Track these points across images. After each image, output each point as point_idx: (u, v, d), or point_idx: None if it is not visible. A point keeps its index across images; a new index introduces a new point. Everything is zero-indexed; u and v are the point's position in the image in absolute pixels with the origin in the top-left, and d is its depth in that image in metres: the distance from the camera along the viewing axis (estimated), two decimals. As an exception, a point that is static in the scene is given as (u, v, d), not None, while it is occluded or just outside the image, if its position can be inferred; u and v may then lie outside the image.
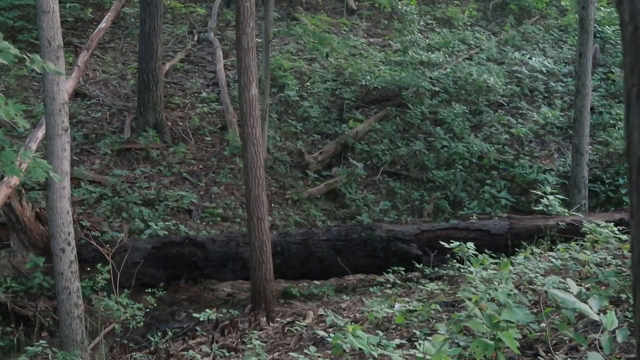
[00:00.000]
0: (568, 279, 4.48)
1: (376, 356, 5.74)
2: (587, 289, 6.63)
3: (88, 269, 10.45)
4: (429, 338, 6.07)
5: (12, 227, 11.24)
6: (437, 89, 17.96)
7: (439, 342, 4.86)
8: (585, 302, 4.27)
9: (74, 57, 16.94)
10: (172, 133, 16.10)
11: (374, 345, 5.80)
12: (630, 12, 1.59)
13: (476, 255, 8.43)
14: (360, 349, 5.73)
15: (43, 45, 8.39)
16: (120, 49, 19.84)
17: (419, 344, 5.53)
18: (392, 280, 9.97)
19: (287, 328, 8.73)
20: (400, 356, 5.59)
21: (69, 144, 8.68)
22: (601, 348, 4.77)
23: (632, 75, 1.59)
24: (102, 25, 16.15)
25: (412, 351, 5.76)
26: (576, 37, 15.69)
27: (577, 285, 6.79)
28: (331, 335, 6.43)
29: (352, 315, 8.68)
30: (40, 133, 11.79)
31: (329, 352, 6.55)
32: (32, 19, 17.86)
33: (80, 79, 16.27)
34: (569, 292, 4.15)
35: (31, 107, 15.74)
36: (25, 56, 5.11)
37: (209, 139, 16.34)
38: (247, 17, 10.35)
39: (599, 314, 3.94)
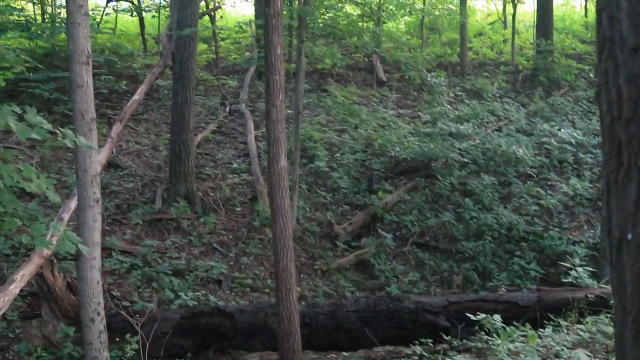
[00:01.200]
0: (579, 351, 4.50)
1: None
2: (613, 362, 6.62)
3: (117, 339, 10.50)
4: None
5: (44, 296, 11.34)
6: (466, 160, 18.04)
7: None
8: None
9: (108, 128, 17.23)
10: (202, 203, 16.25)
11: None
12: (607, 104, 1.69)
13: (504, 328, 8.43)
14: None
15: (76, 118, 8.57)
16: (153, 121, 20.16)
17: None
18: (419, 352, 9.94)
19: (314, 400, 8.73)
20: None
21: (100, 215, 8.81)
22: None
23: (610, 162, 1.68)
24: (136, 97, 16.40)
25: None
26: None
27: (604, 358, 6.79)
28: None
29: (379, 387, 8.67)
30: (73, 204, 11.95)
31: None
32: (67, 91, 18.23)
33: (114, 150, 16.53)
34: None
35: (65, 177, 15.98)
36: (57, 131, 5.27)
37: (239, 209, 16.47)
38: (276, 90, 10.51)
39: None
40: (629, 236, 1.64)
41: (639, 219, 1.61)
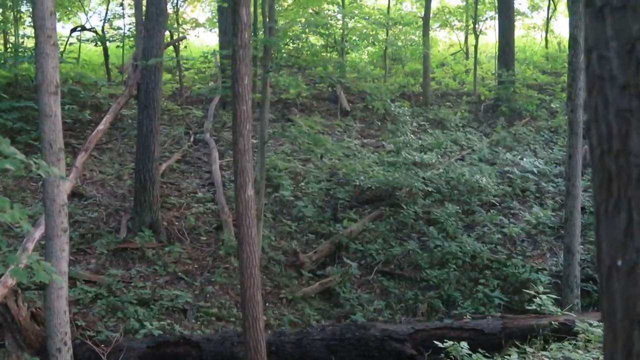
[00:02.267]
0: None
1: None
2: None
3: (83, 369, 10.44)
4: None
5: (8, 327, 11.24)
6: (430, 189, 18.19)
7: None
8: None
9: (72, 158, 17.16)
10: (167, 232, 16.22)
11: None
12: (597, 138, 1.77)
13: (470, 355, 8.50)
14: None
15: (45, 148, 8.57)
16: (118, 150, 20.13)
17: None
18: (387, 380, 9.99)
19: None
20: None
21: (68, 245, 8.79)
22: None
23: (600, 193, 1.76)
24: (101, 127, 16.39)
25: None
26: (566, 139, 15.97)
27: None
28: None
29: (347, 416, 8.69)
30: (38, 233, 11.89)
31: None
32: (31, 120, 18.18)
33: (78, 179, 16.46)
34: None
35: (29, 207, 15.88)
36: (31, 162, 5.29)
37: (204, 238, 16.46)
38: (243, 120, 10.56)
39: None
40: (619, 262, 1.72)
41: (628, 247, 1.69)
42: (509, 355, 8.94)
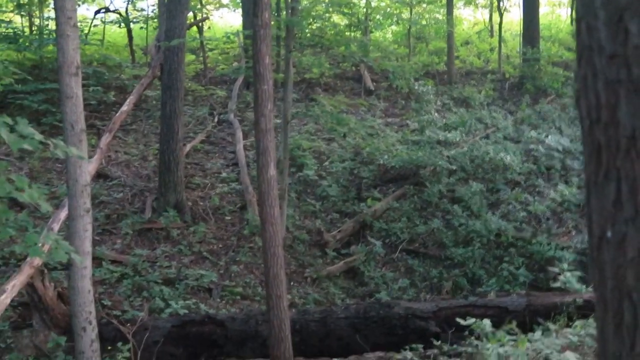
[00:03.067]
0: (568, 353, 4.57)
1: None
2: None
3: (109, 347, 10.51)
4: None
5: (35, 306, 11.36)
6: (454, 167, 18.13)
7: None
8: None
9: (97, 139, 17.27)
10: (192, 213, 16.29)
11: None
12: (587, 109, 1.76)
13: (494, 332, 8.49)
14: None
15: (66, 129, 8.62)
16: (142, 131, 20.20)
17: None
18: (410, 357, 9.99)
19: (305, 406, 8.77)
20: None
21: (91, 225, 8.86)
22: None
23: (590, 164, 1.76)
24: (124, 108, 16.45)
25: None
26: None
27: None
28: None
29: (370, 393, 8.71)
30: (63, 214, 11.98)
31: None
32: (56, 102, 18.26)
33: (103, 160, 16.56)
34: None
35: (54, 188, 15.99)
36: (49, 142, 5.32)
37: (229, 218, 16.52)
38: (264, 100, 10.57)
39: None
40: (609, 234, 1.71)
41: (617, 217, 1.69)
42: (533, 333, 8.91)
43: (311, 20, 21.60)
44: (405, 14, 28.25)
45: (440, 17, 27.99)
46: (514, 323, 8.27)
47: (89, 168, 12.29)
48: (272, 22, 11.65)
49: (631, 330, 1.67)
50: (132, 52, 25.83)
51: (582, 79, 1.78)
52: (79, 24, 9.36)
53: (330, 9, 22.07)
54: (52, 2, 23.81)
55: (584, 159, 1.83)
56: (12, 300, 10.52)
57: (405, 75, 22.42)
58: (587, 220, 1.85)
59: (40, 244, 6.77)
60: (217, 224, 16.27)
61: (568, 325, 9.37)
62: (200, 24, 25.84)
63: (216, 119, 21.26)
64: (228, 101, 22.23)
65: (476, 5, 32.25)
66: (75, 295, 8.66)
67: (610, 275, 1.72)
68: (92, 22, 26.76)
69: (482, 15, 33.19)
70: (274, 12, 18.36)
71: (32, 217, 14.69)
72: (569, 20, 33.23)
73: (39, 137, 5.18)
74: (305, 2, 20.92)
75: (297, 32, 17.70)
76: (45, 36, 22.15)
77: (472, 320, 8.91)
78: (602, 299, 1.76)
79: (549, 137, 19.62)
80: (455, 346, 10.11)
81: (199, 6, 27.53)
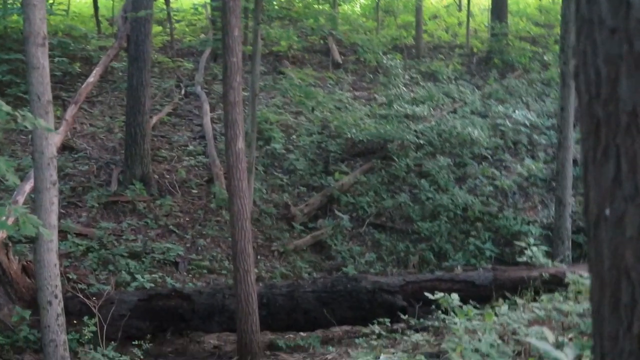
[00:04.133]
0: (544, 329, 4.57)
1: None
2: (570, 339, 6.72)
3: (75, 321, 10.44)
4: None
5: (-1, 280, 11.25)
6: (421, 141, 18.14)
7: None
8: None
9: (62, 111, 17.04)
10: (158, 186, 16.18)
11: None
12: (586, 84, 1.73)
13: (461, 307, 8.51)
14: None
15: (33, 100, 8.48)
16: (108, 103, 20.00)
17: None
18: (377, 331, 10.01)
19: (273, 380, 8.77)
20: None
21: (57, 198, 8.74)
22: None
23: (588, 140, 1.72)
24: (90, 79, 16.27)
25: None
26: (558, 91, 15.91)
27: (560, 335, 6.90)
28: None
29: (338, 367, 8.71)
30: (28, 186, 11.85)
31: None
32: (21, 73, 18.01)
33: (68, 132, 16.38)
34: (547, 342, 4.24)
35: (19, 160, 15.80)
36: (17, 113, 5.22)
37: (196, 191, 16.43)
38: (233, 72, 10.49)
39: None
40: (607, 212, 1.68)
41: (616, 195, 1.66)
42: (499, 307, 8.95)
43: (279, -8, 21.46)
44: (374, -13, 28.12)
45: (408, -10, 27.89)
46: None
47: (54, 140, 12.17)
48: (241, -6, 11.54)
49: (629, 310, 1.64)
50: (98, 22, 25.48)
51: (582, 54, 1.74)
52: (44, -7, 9.18)
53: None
54: (16, -29, 23.46)
55: (582, 135, 1.79)
56: (-24, 274, 10.41)
57: (373, 48, 22.32)
58: (584, 197, 1.82)
59: (5, 217, 6.66)
60: (184, 197, 16.18)
61: (534, 300, 9.41)
62: (166, -5, 25.55)
63: (183, 92, 21.08)
64: (195, 73, 22.04)
65: (444, -21, 32.18)
66: (41, 269, 8.55)
67: (607, 254, 1.69)
68: (57, -8, 26.36)
69: (450, -11, 33.10)
70: (242, -16, 18.21)
71: (-4, 190, 14.52)
72: (536, -4, 33.28)
73: (6, 108, 5.08)
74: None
75: (265, 4, 17.56)
76: (9, 5, 21.80)
77: (440, 294, 8.94)
78: (598, 278, 1.73)
79: (516, 112, 19.67)
80: (422, 320, 10.15)
81: (165, -23, 27.22)
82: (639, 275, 1.62)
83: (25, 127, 5.57)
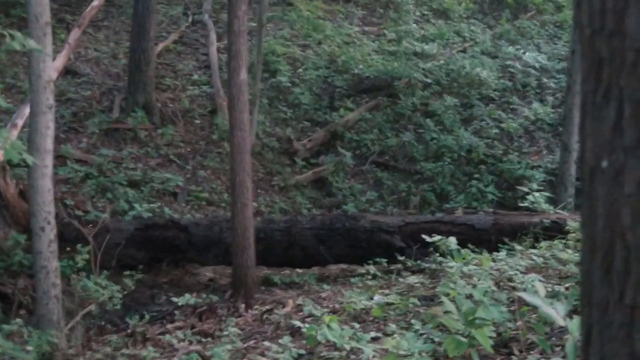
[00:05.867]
0: (537, 282, 4.44)
1: (349, 349, 5.70)
2: (567, 288, 6.60)
3: (68, 248, 10.34)
4: (405, 332, 6.04)
5: (-5, 203, 11.16)
6: (429, 80, 17.91)
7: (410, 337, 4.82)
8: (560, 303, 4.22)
9: (66, 34, 16.78)
10: (161, 114, 15.99)
11: (348, 337, 5.77)
12: (589, 15, 1.53)
13: (459, 250, 8.40)
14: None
15: (31, 21, 8.29)
16: (114, 28, 19.71)
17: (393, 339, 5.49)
18: (373, 271, 9.91)
19: (265, 316, 8.69)
20: (373, 350, 5.55)
21: (53, 122, 8.58)
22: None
23: (588, 80, 1.53)
24: (95, 2, 15.98)
25: (385, 346, 5.68)
26: (571, 34, 15.63)
27: (557, 285, 6.78)
28: (307, 325, 6.40)
29: (331, 306, 8.62)
30: (27, 110, 11.65)
31: (304, 342, 6.50)
32: (25, -6, 17.70)
33: (71, 56, 16.15)
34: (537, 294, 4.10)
35: (21, 83, 15.60)
36: (6, 33, 5.03)
37: (198, 122, 16.25)
38: (239, 1, 10.26)
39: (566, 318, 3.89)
40: (604, 164, 1.49)
41: (616, 144, 1.47)
42: (498, 252, 8.83)
43: None
44: None
45: None
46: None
47: (56, 63, 11.97)
48: None
49: (622, 276, 1.46)
50: (106, -55, 25.06)
51: (586, -21, 1.54)
52: None
53: None
54: None
55: (581, 74, 1.60)
56: (-30, 196, 10.31)
57: (384, -17, 21.97)
58: (581, 145, 1.63)
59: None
60: (186, 127, 16.01)
61: (533, 247, 9.30)
62: None
63: (190, 19, 20.76)
64: (203, 1, 21.70)
65: None
66: (34, 194, 8.43)
67: (602, 211, 1.50)
68: None
69: None
70: None
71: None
72: None
73: (-8, 27, 4.88)
74: None
75: None
76: None
77: (438, 237, 8.82)
78: (590, 238, 1.54)
79: (527, 53, 19.39)
80: (419, 262, 10.03)
81: None
82: (635, 238, 1.44)
83: (17, 48, 5.37)
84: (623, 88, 1.44)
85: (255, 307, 9.54)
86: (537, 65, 18.83)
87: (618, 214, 1.46)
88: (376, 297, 7.76)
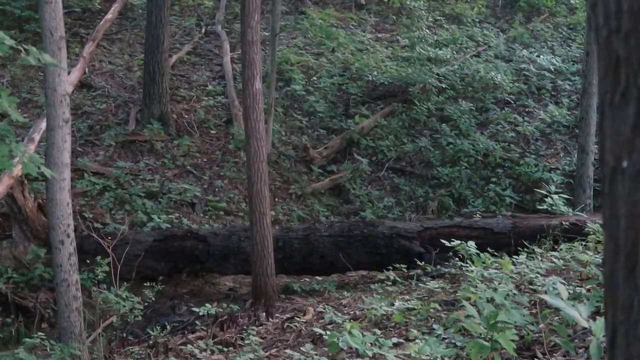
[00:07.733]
0: (559, 284, 4.43)
1: (371, 355, 5.70)
2: (588, 290, 6.58)
3: (88, 261, 10.40)
4: (427, 338, 6.04)
5: (14, 217, 11.22)
6: (444, 85, 17.89)
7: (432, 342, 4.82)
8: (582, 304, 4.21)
9: (81, 48, 16.87)
10: (177, 126, 16.05)
11: (370, 344, 5.76)
12: (605, 15, 1.53)
13: (478, 254, 8.38)
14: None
15: (45, 36, 8.34)
16: (127, 41, 19.80)
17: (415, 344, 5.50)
18: (393, 277, 9.90)
19: (286, 324, 8.71)
20: (395, 356, 5.55)
21: (70, 136, 8.63)
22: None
23: (606, 81, 1.53)
24: (109, 16, 16.10)
25: (408, 351, 5.68)
26: (584, 35, 15.59)
27: (578, 287, 6.76)
28: (328, 332, 6.40)
29: (352, 312, 8.63)
30: (44, 124, 11.69)
31: (326, 349, 6.50)
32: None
33: (86, 70, 16.24)
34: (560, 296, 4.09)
35: (36, 97, 15.70)
36: (20, 47, 5.06)
37: (214, 132, 16.30)
38: (252, 11, 10.31)
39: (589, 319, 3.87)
40: (625, 164, 1.49)
41: (636, 144, 1.46)
42: (517, 256, 8.81)
43: None
44: None
45: None
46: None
47: (71, 77, 12.02)
48: None
49: (646, 278, 1.47)
50: (119, -41, 25.17)
51: (601, -20, 1.54)
52: None
53: None
54: None
55: (598, 75, 1.60)
56: (-10, 211, 10.38)
57: (397, -11, 21.97)
58: (600, 146, 1.63)
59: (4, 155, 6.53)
60: (202, 137, 16.05)
61: (553, 249, 9.27)
62: None
63: (203, 30, 20.83)
64: (216, 12, 21.76)
65: None
66: (53, 208, 8.47)
67: (624, 211, 1.50)
68: None
69: None
70: None
71: (14, 126, 14.42)
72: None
73: (9, 42, 4.92)
74: None
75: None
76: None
77: (457, 241, 8.81)
78: (612, 239, 1.54)
79: (541, 56, 19.34)
80: (438, 267, 10.03)
81: None
82: (659, 236, 1.44)
83: (32, 63, 5.40)
84: (642, 88, 1.44)
85: (276, 315, 9.56)
86: (551, 67, 18.78)
87: (640, 215, 1.46)
88: (397, 303, 7.76)
